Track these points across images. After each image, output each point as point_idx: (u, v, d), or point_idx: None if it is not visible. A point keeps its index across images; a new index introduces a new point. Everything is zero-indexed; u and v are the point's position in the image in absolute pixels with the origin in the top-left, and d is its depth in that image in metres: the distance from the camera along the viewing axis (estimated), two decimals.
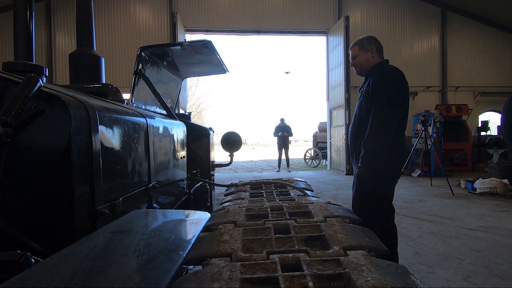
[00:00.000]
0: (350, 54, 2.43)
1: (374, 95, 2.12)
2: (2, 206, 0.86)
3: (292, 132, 12.12)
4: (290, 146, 12.43)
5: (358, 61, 2.35)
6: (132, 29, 11.11)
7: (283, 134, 11.82)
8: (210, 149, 3.04)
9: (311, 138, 15.96)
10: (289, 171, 11.71)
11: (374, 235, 1.03)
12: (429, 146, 8.18)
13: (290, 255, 0.84)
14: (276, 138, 12.20)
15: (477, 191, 6.46)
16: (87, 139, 0.95)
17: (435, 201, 5.92)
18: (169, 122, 1.98)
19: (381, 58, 2.33)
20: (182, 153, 2.21)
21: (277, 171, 11.90)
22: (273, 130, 12.21)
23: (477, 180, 6.68)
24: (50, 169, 0.89)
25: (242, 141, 3.22)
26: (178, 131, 2.15)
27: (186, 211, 1.04)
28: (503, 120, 1.62)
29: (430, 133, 8.61)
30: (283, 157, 12.02)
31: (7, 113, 0.80)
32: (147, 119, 1.53)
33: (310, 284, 0.66)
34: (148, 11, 11.28)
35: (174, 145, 2.02)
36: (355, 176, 2.22)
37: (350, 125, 2.41)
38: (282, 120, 12.02)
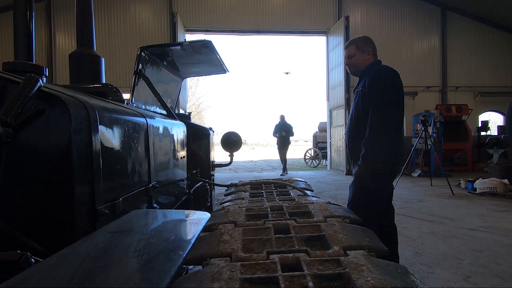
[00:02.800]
0: (344, 53, 2.40)
1: (372, 95, 2.12)
2: (2, 206, 0.86)
3: (293, 131, 10.80)
4: (289, 147, 11.22)
5: (354, 62, 2.33)
6: (132, 29, 11.11)
7: (281, 134, 10.54)
8: (210, 149, 3.04)
9: (311, 138, 15.95)
10: (282, 175, 10.25)
11: (374, 235, 1.03)
12: (429, 146, 8.17)
13: (290, 255, 0.84)
14: (276, 138, 10.92)
15: (477, 191, 6.45)
16: (87, 139, 0.95)
17: (435, 201, 5.92)
18: (169, 122, 1.98)
19: (375, 59, 2.33)
20: (182, 153, 2.21)
21: (281, 174, 10.62)
22: (273, 129, 10.87)
23: (477, 180, 6.68)
24: (50, 169, 0.89)
25: (242, 141, 3.22)
26: (178, 131, 2.15)
27: (186, 211, 1.04)
28: (507, 120, 1.63)
29: (430, 133, 8.61)
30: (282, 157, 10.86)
31: (7, 113, 0.80)
32: (147, 119, 1.53)
33: (310, 284, 0.66)
34: (148, 11, 11.28)
35: (174, 145, 2.02)
36: (354, 175, 2.23)
37: (347, 125, 2.41)
38: (282, 117, 10.73)
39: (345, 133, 2.53)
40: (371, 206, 2.13)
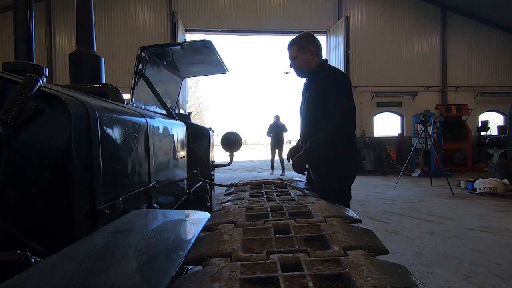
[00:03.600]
0: (288, 54, 2.31)
1: (326, 100, 2.05)
2: (2, 206, 0.86)
3: (286, 128, 10.70)
4: (286, 146, 11.04)
5: (297, 63, 2.25)
6: (132, 29, 11.11)
7: (275, 131, 10.40)
8: (210, 149, 3.04)
9: None
10: (282, 175, 9.87)
11: (374, 235, 1.03)
12: (429, 146, 8.17)
13: (290, 255, 0.84)
14: (270, 138, 10.83)
15: (477, 191, 6.46)
16: (87, 139, 0.95)
17: (435, 201, 5.92)
18: (169, 122, 1.98)
19: (319, 58, 2.24)
20: (182, 153, 2.21)
21: (270, 173, 10.86)
22: (267, 130, 10.79)
23: (477, 180, 6.68)
24: (50, 169, 0.89)
25: (242, 141, 3.22)
26: (178, 131, 2.15)
27: (186, 211, 1.04)
28: (508, 120, 1.63)
29: (430, 133, 8.61)
30: (276, 157, 10.70)
31: (7, 113, 0.80)
32: (147, 119, 1.53)
33: (310, 284, 0.66)
34: (148, 11, 11.28)
35: (174, 145, 2.02)
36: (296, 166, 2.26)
37: (301, 134, 2.34)
38: (277, 117, 10.56)
39: (301, 141, 2.48)
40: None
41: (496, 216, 4.73)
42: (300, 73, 2.30)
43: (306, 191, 1.86)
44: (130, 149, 1.30)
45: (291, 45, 2.27)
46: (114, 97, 1.61)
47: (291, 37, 2.38)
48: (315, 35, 2.41)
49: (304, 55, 2.21)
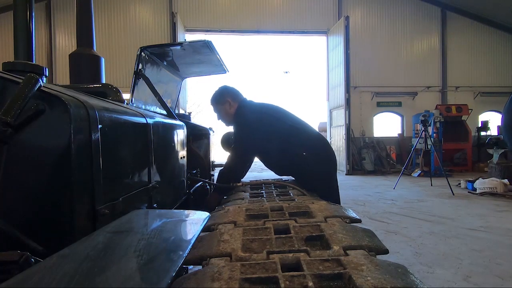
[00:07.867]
0: (213, 111, 2.50)
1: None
2: (2, 206, 0.86)
3: None
4: None
5: (223, 117, 2.43)
6: (132, 29, 11.11)
7: None
8: (210, 149, 3.03)
9: None
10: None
11: (374, 235, 1.02)
12: (429, 146, 8.18)
13: (290, 255, 0.84)
14: None
15: (477, 191, 6.45)
16: (87, 139, 0.95)
17: (435, 201, 5.92)
18: (169, 122, 1.98)
19: (237, 102, 2.36)
20: (182, 153, 2.21)
21: None
22: None
23: (477, 180, 6.68)
24: (50, 169, 0.89)
25: None
26: (178, 131, 2.14)
27: (186, 211, 1.04)
28: (503, 120, 1.63)
29: (430, 133, 8.61)
30: None
31: (7, 113, 0.80)
32: (147, 119, 1.53)
33: (310, 283, 0.66)
34: (148, 11, 11.28)
35: (174, 145, 2.02)
36: None
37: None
38: None
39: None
40: None
41: (496, 216, 4.73)
42: (227, 123, 2.48)
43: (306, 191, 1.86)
44: (130, 149, 1.30)
45: (211, 104, 2.48)
46: (114, 97, 1.61)
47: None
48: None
49: (223, 106, 2.39)
